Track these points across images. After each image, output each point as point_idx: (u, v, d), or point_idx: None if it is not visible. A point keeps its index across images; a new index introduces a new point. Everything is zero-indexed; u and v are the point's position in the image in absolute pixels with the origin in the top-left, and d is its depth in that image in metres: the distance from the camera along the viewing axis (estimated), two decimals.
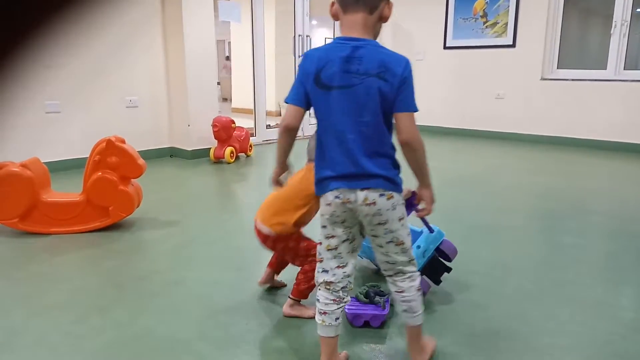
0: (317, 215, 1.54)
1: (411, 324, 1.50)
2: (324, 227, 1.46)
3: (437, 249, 2.02)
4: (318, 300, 1.48)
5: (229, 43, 11.08)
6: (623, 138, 5.59)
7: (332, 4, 1.41)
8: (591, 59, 6.55)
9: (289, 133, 1.43)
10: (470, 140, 6.38)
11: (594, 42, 6.90)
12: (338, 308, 1.46)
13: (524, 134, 6.28)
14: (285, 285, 2.12)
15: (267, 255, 2.48)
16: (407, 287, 1.46)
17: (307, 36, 6.36)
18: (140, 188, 3.01)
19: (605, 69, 5.74)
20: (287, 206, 1.82)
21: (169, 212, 3.23)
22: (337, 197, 1.38)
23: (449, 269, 2.03)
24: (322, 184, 1.42)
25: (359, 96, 1.33)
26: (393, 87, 1.35)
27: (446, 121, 6.90)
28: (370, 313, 1.79)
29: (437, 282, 2.01)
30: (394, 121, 1.38)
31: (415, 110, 1.37)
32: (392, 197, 1.37)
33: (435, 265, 2.01)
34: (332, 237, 1.44)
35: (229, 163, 4.84)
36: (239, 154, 5.05)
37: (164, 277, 2.25)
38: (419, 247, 1.91)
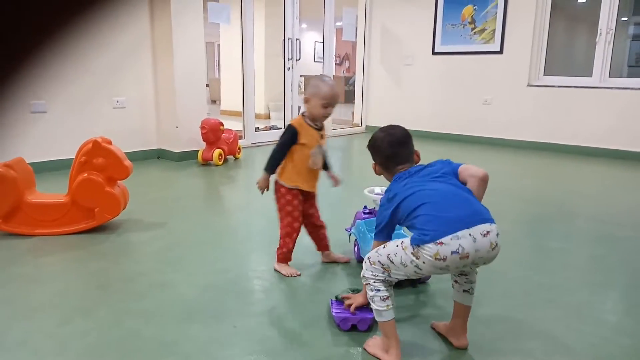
0: None
1: (468, 303, 1.69)
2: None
3: None
4: (379, 290, 1.58)
5: (219, 45, 11.06)
6: (608, 144, 5.67)
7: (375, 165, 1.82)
8: (577, 66, 6.65)
9: None
10: (457, 145, 6.42)
11: (580, 49, 7.00)
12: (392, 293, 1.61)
13: (511, 140, 6.35)
14: (349, 261, 2.41)
15: (256, 259, 2.48)
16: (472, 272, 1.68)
17: (296, 39, 6.37)
18: (126, 190, 2.99)
19: (591, 76, 5.82)
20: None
21: (155, 214, 3.20)
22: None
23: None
24: None
25: None
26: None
27: (434, 126, 6.94)
28: (358, 317, 1.79)
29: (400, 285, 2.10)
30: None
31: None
32: None
33: None
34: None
35: (217, 165, 4.82)
36: (227, 157, 5.04)
37: (150, 279, 2.23)
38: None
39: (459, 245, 1.44)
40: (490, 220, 1.50)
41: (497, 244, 1.49)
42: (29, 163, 2.88)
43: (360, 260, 2.43)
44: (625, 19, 6.24)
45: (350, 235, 2.52)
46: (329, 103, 2.12)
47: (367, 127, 7.78)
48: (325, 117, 2.17)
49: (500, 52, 6.31)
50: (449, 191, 1.56)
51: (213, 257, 2.51)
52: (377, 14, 7.42)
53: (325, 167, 2.33)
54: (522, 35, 6.12)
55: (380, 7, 7.37)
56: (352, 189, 4.02)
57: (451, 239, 1.44)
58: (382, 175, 1.82)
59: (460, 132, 6.73)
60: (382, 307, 1.57)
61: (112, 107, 4.76)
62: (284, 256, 2.30)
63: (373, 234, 2.22)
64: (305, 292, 2.13)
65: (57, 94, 4.35)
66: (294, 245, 2.30)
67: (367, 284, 1.63)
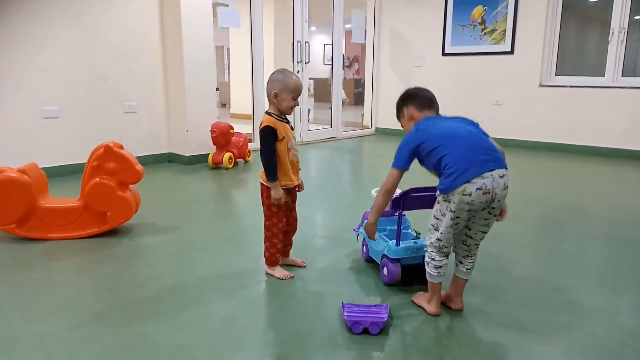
0: None
1: (467, 277, 1.96)
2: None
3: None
4: (434, 259, 1.88)
5: (228, 49, 11.11)
6: (621, 144, 5.60)
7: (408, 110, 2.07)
8: (589, 66, 6.58)
9: (389, 195, 1.99)
10: None
11: (592, 49, 6.93)
12: (446, 262, 1.90)
13: (522, 140, 6.30)
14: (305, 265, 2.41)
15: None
16: (477, 252, 1.96)
17: (305, 42, 6.38)
18: (138, 194, 3.01)
19: (604, 75, 5.76)
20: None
21: (167, 218, 3.22)
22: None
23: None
24: None
25: None
26: None
27: None
28: (369, 320, 1.78)
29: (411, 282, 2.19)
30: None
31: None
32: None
33: (416, 269, 2.18)
34: (455, 233, 1.86)
35: (227, 169, 4.84)
36: (237, 160, 5.05)
37: (161, 283, 2.24)
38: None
39: (483, 182, 1.72)
40: (505, 166, 1.80)
41: (507, 186, 1.79)
42: (41, 168, 2.92)
43: (367, 260, 2.42)
44: (638, 17, 6.16)
45: (358, 235, 2.52)
46: (297, 94, 2.18)
47: (376, 129, 7.77)
48: (293, 108, 2.21)
49: (511, 52, 6.26)
50: (477, 135, 1.86)
51: (224, 260, 2.52)
52: (386, 16, 7.41)
53: None
54: (533, 35, 6.08)
55: (389, 9, 7.36)
56: (361, 190, 4.01)
57: (477, 179, 1.71)
58: (408, 125, 2.04)
59: None
60: (434, 272, 1.89)
61: (123, 112, 4.79)
62: (274, 259, 2.29)
63: (381, 234, 2.25)
64: (316, 295, 2.13)
65: (69, 100, 4.40)
66: (282, 246, 2.31)
67: (426, 252, 1.92)
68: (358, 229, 2.51)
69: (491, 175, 1.73)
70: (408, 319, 1.91)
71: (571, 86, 5.92)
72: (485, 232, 1.89)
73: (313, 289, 2.18)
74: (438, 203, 1.83)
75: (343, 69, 7.62)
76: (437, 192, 1.82)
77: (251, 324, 1.87)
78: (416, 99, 2.06)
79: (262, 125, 2.16)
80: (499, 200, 1.79)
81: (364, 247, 2.45)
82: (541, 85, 6.12)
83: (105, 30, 4.55)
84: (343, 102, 11.80)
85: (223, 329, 1.84)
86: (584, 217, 3.38)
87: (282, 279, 2.25)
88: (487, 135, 1.89)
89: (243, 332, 1.81)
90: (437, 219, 1.85)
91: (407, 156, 1.88)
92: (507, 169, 1.80)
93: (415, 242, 2.17)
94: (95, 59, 4.51)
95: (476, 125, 1.95)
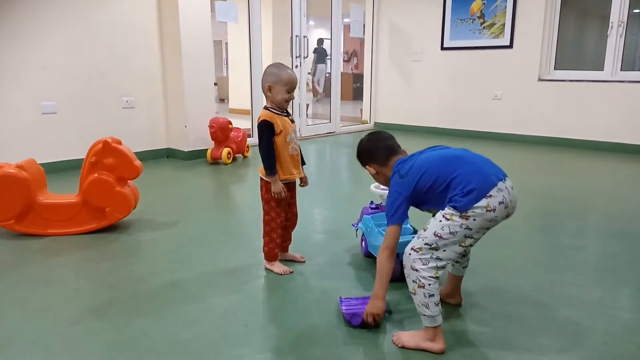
0: None
1: (463, 274, 1.98)
2: None
3: None
4: (433, 295, 1.62)
5: (226, 44, 11.07)
6: (620, 139, 5.61)
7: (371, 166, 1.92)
8: (588, 59, 6.57)
9: (393, 255, 1.76)
10: (467, 141, 6.38)
11: (591, 43, 6.92)
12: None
13: (521, 135, 6.30)
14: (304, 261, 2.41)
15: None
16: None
17: (304, 37, 6.36)
18: (136, 189, 3.00)
19: (603, 69, 5.75)
20: None
21: (165, 214, 3.22)
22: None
23: None
24: None
25: None
26: None
27: (443, 122, 6.91)
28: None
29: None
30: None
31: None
32: None
33: None
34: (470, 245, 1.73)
35: (225, 164, 4.83)
36: (235, 155, 5.05)
37: (160, 278, 2.24)
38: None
39: (503, 196, 1.61)
40: (506, 176, 1.68)
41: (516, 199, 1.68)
42: (40, 164, 2.91)
43: (367, 255, 2.43)
44: (638, 11, 6.15)
45: (357, 230, 2.52)
46: (292, 87, 2.17)
47: (375, 123, 7.76)
48: (288, 101, 2.20)
49: (510, 46, 6.25)
50: (470, 153, 1.74)
51: (223, 256, 2.52)
52: (385, 10, 7.39)
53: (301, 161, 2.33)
54: (532, 29, 6.06)
55: (388, 3, 7.34)
56: (359, 186, 4.01)
57: (497, 191, 1.60)
58: (379, 179, 1.94)
59: (470, 128, 6.68)
60: (435, 312, 1.62)
61: (121, 107, 4.78)
62: (272, 253, 2.29)
63: (380, 229, 2.24)
64: (315, 290, 2.13)
65: (67, 95, 4.38)
66: (281, 241, 2.31)
67: (420, 287, 1.61)
68: (357, 224, 2.52)
69: (505, 187, 1.62)
70: (406, 314, 1.91)
71: (570, 80, 5.91)
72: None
73: (312, 284, 2.19)
74: (448, 220, 1.61)
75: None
76: (447, 211, 1.62)
77: (251, 319, 1.88)
78: (377, 156, 1.88)
79: (260, 120, 2.16)
80: (512, 214, 1.68)
81: (363, 242, 2.46)
82: (540, 80, 6.11)
83: (104, 26, 4.53)
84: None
85: (223, 324, 1.84)
86: (583, 211, 3.39)
87: (281, 274, 2.26)
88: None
89: (243, 327, 1.82)
90: (440, 237, 1.62)
91: (405, 206, 1.70)
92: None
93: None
94: (93, 54, 4.49)
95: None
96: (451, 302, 2.00)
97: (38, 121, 4.24)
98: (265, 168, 2.17)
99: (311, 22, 12.10)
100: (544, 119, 6.11)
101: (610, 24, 5.62)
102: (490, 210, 1.59)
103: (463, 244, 1.64)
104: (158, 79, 5.04)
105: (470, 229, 1.61)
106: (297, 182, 2.33)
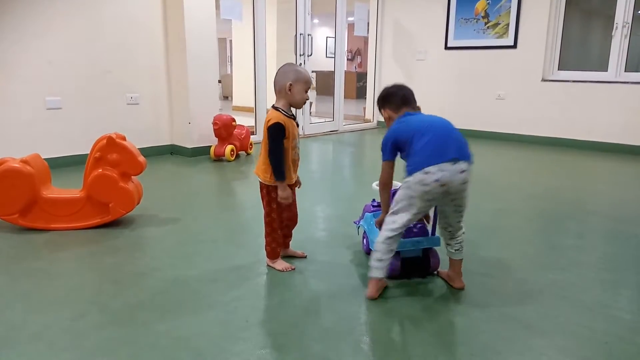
0: None
1: (459, 257, 2.09)
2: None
3: (425, 253, 2.22)
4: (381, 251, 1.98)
5: (231, 41, 11.08)
6: (623, 140, 5.60)
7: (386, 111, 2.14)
8: (592, 60, 6.55)
9: (388, 188, 2.09)
10: (471, 140, 6.32)
11: (595, 43, 6.90)
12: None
13: (525, 135, 6.29)
14: (306, 256, 2.44)
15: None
16: (461, 235, 2.08)
17: (308, 35, 6.36)
18: (140, 185, 3.02)
19: (607, 70, 5.74)
20: (262, 163, 2.17)
21: (169, 210, 3.23)
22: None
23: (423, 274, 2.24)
24: None
25: None
26: None
27: None
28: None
29: (409, 275, 2.22)
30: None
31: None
32: None
33: (416, 262, 2.23)
34: (417, 213, 1.96)
35: (229, 161, 4.84)
36: (239, 152, 5.06)
37: (163, 274, 2.25)
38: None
39: (443, 175, 1.82)
40: (469, 160, 1.89)
41: (467, 181, 1.88)
42: (44, 159, 2.92)
43: (368, 253, 2.44)
44: None
45: (358, 227, 2.53)
46: (309, 87, 2.18)
47: (378, 122, 7.76)
48: (305, 102, 2.19)
49: (514, 46, 6.24)
50: (444, 127, 1.95)
51: (226, 252, 2.53)
52: (389, 9, 7.38)
53: None
54: (536, 30, 6.05)
55: (393, 2, 7.33)
56: (362, 183, 4.02)
57: (437, 170, 1.83)
58: (390, 124, 2.12)
59: (473, 128, 6.68)
60: (374, 266, 1.99)
61: (125, 104, 4.80)
62: (274, 252, 2.30)
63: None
64: (316, 287, 2.14)
65: (72, 91, 4.40)
66: (282, 240, 2.33)
67: (377, 244, 2.00)
68: (359, 222, 2.53)
69: (451, 169, 1.83)
70: (407, 310, 1.92)
71: (574, 81, 5.90)
72: (460, 213, 2.00)
73: (314, 281, 2.20)
74: (403, 186, 1.93)
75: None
76: (404, 177, 1.92)
77: (252, 315, 1.89)
78: (392, 101, 2.12)
79: (272, 122, 2.07)
80: (457, 193, 1.89)
81: (364, 239, 2.47)
82: (544, 80, 6.11)
83: (109, 22, 4.54)
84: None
85: (224, 320, 1.85)
86: (585, 212, 3.38)
87: (283, 271, 2.27)
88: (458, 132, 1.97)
89: (244, 323, 1.83)
90: (397, 202, 1.95)
91: (391, 148, 2.00)
92: (470, 163, 1.89)
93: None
94: (98, 50, 4.51)
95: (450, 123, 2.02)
96: (453, 285, 2.12)
97: (43, 116, 4.26)
98: (275, 173, 2.11)
99: (315, 20, 12.10)
100: (547, 119, 6.10)
101: (614, 25, 5.61)
102: (425, 185, 1.84)
103: (413, 212, 1.91)
104: (162, 76, 5.05)
105: (413, 197, 1.88)
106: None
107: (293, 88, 2.12)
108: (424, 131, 1.91)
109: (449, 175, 1.83)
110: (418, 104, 2.14)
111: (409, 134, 1.93)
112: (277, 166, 2.10)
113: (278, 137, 2.08)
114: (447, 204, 1.96)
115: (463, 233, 2.09)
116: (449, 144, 1.88)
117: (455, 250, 2.09)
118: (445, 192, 1.87)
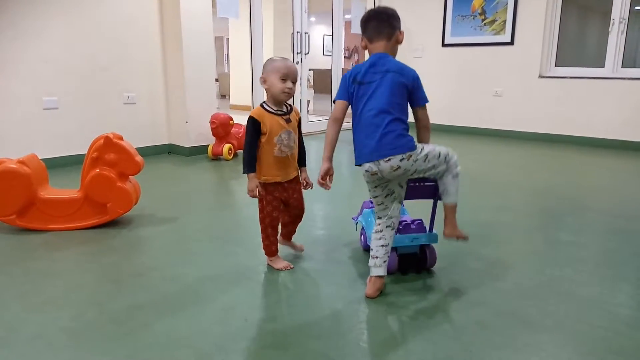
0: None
1: (445, 201, 2.06)
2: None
3: (422, 249, 2.23)
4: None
5: (228, 40, 11.06)
6: (620, 136, 5.61)
7: (362, 39, 2.09)
8: (589, 56, 6.56)
9: (337, 123, 2.08)
10: (468, 137, 6.39)
11: (592, 39, 6.91)
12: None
13: (522, 132, 6.30)
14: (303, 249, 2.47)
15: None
16: (445, 178, 2.05)
17: (305, 33, 6.35)
18: (138, 185, 3.01)
19: (603, 66, 5.75)
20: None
21: (166, 209, 3.23)
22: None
23: (419, 269, 2.25)
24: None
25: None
26: (409, 82, 1.98)
27: (443, 118, 6.90)
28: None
29: (404, 271, 2.24)
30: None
31: (427, 101, 2.07)
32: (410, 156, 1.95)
33: (411, 258, 2.25)
34: (376, 196, 2.07)
35: (226, 160, 4.84)
36: (237, 151, 5.05)
37: (161, 273, 2.25)
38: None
39: (369, 166, 1.97)
40: (392, 153, 1.92)
41: (399, 167, 1.94)
42: (41, 159, 2.92)
43: (366, 249, 2.44)
44: (639, 8, 6.14)
45: (357, 223, 2.54)
46: (286, 74, 2.07)
47: None
48: (286, 92, 2.09)
49: (511, 43, 6.25)
50: (367, 125, 1.99)
51: (224, 251, 2.53)
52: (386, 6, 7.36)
53: (301, 161, 2.29)
54: (533, 26, 6.06)
55: None
56: (359, 180, 4.01)
57: (366, 164, 1.98)
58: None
59: (470, 125, 6.69)
60: (371, 264, 2.04)
61: (122, 103, 4.79)
62: (269, 250, 2.29)
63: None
64: (315, 285, 2.14)
65: (69, 91, 4.39)
66: (283, 232, 2.35)
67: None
68: (357, 218, 2.53)
69: (375, 162, 1.94)
70: (406, 307, 1.92)
71: (571, 77, 5.91)
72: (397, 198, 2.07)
73: (312, 279, 2.20)
74: None
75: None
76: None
77: (251, 314, 1.89)
78: (366, 29, 2.07)
79: (249, 115, 2.12)
80: (396, 178, 1.99)
81: (362, 236, 2.47)
82: (541, 77, 6.11)
83: (105, 21, 4.53)
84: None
85: (223, 318, 1.85)
86: (582, 208, 3.39)
87: (281, 269, 2.27)
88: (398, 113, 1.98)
89: (243, 322, 1.83)
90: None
91: (344, 91, 2.05)
92: (394, 154, 1.92)
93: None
94: (94, 49, 4.50)
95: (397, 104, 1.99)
96: (444, 232, 2.10)
97: (40, 116, 4.25)
98: (243, 167, 2.13)
99: (312, 19, 12.08)
100: (545, 115, 6.11)
101: (611, 21, 5.61)
102: (364, 174, 2.02)
103: (371, 194, 2.09)
104: (159, 75, 5.04)
105: (366, 181, 2.06)
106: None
107: (267, 80, 2.10)
108: (356, 123, 2.03)
109: (375, 166, 1.95)
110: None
111: (356, 99, 2.01)
112: (245, 158, 2.12)
113: (249, 130, 2.10)
114: (394, 185, 2.03)
115: (393, 220, 2.06)
116: (366, 145, 1.97)
117: (440, 199, 2.10)
118: (381, 178, 1.98)
